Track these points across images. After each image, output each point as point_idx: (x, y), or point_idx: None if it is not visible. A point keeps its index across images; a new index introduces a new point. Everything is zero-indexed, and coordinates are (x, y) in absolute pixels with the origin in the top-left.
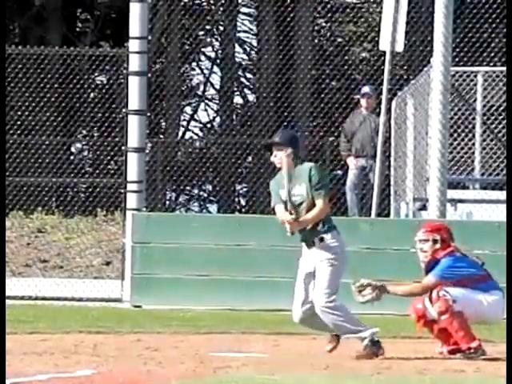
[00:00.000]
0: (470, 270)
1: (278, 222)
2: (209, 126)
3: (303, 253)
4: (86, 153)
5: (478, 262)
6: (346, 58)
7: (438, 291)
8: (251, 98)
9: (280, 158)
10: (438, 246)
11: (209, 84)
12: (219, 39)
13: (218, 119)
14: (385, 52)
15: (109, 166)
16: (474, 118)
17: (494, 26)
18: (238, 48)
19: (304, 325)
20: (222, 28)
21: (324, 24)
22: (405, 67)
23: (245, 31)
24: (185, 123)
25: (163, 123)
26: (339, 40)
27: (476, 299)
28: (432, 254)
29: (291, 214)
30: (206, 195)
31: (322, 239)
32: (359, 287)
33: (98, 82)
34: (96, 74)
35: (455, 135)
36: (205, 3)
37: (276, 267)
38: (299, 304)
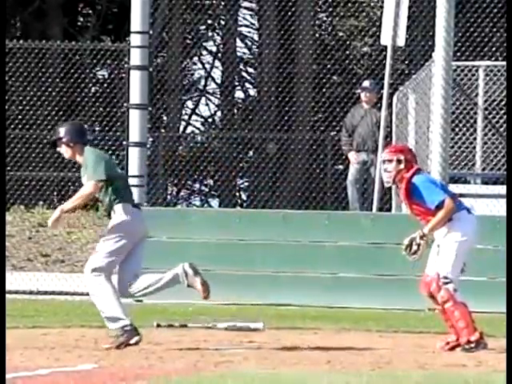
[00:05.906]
0: (441, 187)
1: (278, 217)
2: (210, 120)
3: None
4: None
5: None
6: (348, 52)
7: (437, 282)
8: (252, 92)
9: (66, 151)
10: (401, 166)
11: (210, 78)
12: (220, 33)
13: (219, 113)
14: (386, 46)
15: None
16: (475, 113)
17: (495, 20)
18: (239, 42)
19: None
20: (223, 22)
21: (325, 18)
22: (406, 62)
23: (246, 25)
24: (186, 117)
25: (164, 117)
26: (340, 34)
27: (464, 249)
28: (396, 175)
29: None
30: (207, 190)
31: (113, 211)
32: (405, 250)
33: (100, 77)
34: (97, 69)
35: (456, 130)
36: None
37: (277, 262)
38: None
